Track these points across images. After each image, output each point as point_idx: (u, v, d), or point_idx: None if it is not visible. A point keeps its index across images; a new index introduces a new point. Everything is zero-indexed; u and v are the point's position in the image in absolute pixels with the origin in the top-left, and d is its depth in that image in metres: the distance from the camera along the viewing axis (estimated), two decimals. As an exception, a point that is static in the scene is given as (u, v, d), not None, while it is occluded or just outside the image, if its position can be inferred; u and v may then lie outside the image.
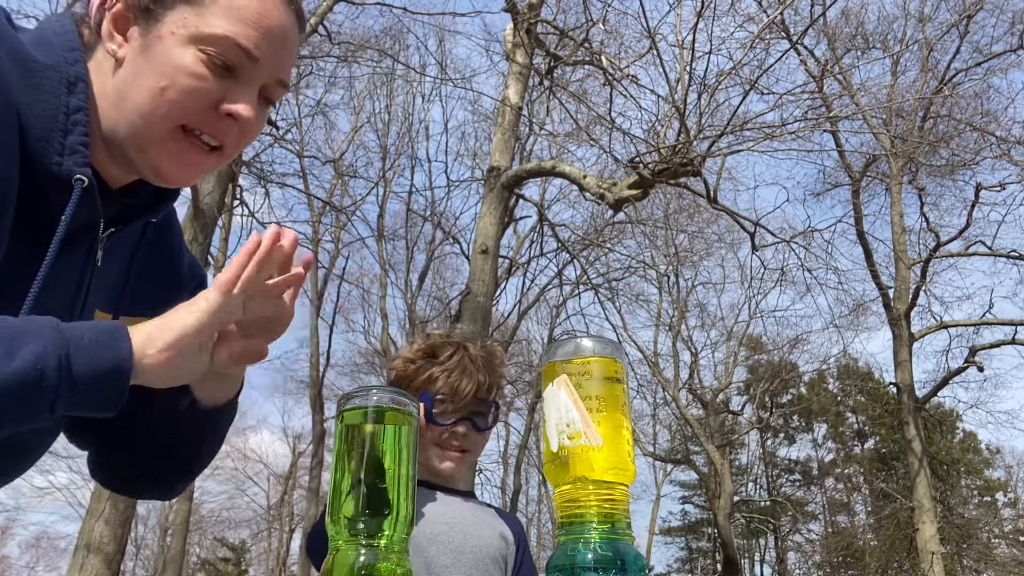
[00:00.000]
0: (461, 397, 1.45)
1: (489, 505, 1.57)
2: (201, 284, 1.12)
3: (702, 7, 6.43)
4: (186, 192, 7.45)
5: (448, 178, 16.15)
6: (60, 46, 0.85)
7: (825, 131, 12.57)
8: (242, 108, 0.87)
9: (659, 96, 7.76)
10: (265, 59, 0.87)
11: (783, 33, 8.46)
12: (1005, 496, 25.41)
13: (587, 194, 7.49)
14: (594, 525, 0.76)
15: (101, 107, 0.87)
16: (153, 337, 0.78)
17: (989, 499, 25.22)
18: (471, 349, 1.50)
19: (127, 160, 0.89)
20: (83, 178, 0.82)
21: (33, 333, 0.71)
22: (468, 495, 1.54)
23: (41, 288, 0.82)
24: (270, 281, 0.85)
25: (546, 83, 8.48)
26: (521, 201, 12.18)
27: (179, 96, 0.84)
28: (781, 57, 7.78)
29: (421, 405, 1.43)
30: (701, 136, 6.40)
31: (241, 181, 10.30)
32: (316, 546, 1.41)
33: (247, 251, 0.84)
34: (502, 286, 14.13)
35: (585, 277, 15.57)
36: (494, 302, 8.47)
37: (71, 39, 0.87)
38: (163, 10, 0.85)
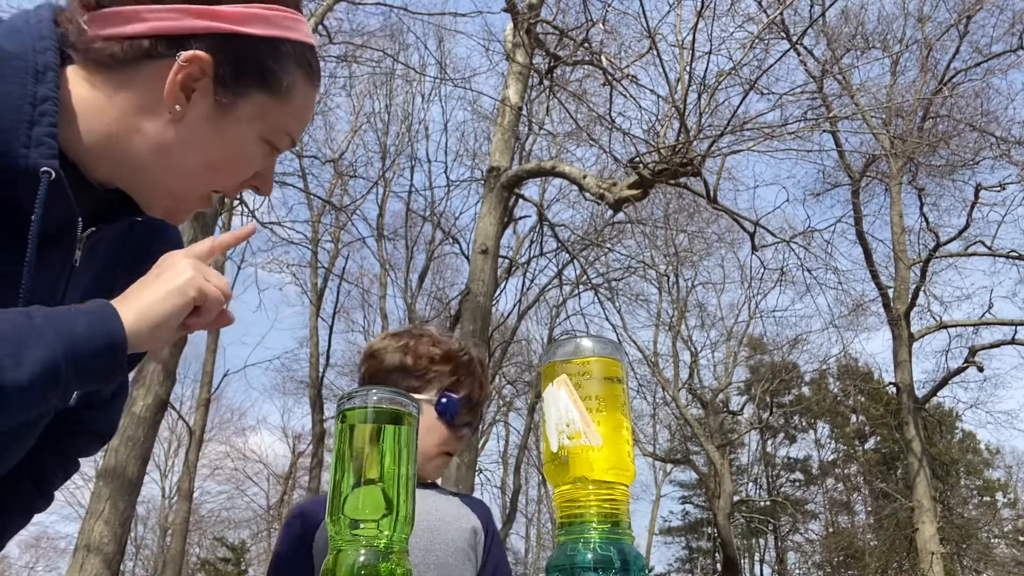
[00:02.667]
0: (476, 405, 1.48)
1: (453, 494, 1.52)
2: None
3: (702, 7, 6.43)
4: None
5: (448, 178, 16.15)
6: (30, 35, 0.82)
7: (825, 131, 12.60)
8: (265, 188, 0.96)
9: (659, 96, 7.75)
10: (297, 142, 0.96)
11: (783, 33, 8.45)
12: (1005, 496, 25.41)
13: (587, 194, 7.49)
14: (594, 525, 0.76)
15: (126, 138, 0.86)
16: (142, 317, 0.80)
17: (989, 499, 25.22)
18: (481, 357, 1.53)
19: (138, 194, 0.91)
20: (50, 170, 0.79)
21: (35, 336, 0.73)
22: (432, 486, 1.50)
23: (29, 291, 0.81)
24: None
25: (546, 83, 8.48)
26: (521, 201, 12.20)
27: (233, 172, 0.91)
28: (781, 57, 7.77)
29: (424, 405, 1.42)
30: (701, 136, 6.40)
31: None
32: (297, 522, 1.38)
33: (231, 241, 0.93)
34: (502, 286, 14.14)
35: (585, 277, 15.57)
36: (494, 302, 8.47)
37: (43, 28, 0.84)
38: (246, 90, 0.87)
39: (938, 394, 15.59)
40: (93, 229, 0.90)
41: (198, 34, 0.84)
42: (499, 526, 1.65)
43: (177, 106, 0.86)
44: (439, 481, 1.57)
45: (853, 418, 27.47)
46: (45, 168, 0.79)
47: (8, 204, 0.80)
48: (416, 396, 1.27)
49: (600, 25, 7.75)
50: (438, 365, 1.46)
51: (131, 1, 0.84)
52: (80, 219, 0.87)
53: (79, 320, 0.76)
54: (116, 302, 0.80)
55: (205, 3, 0.85)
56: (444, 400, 1.43)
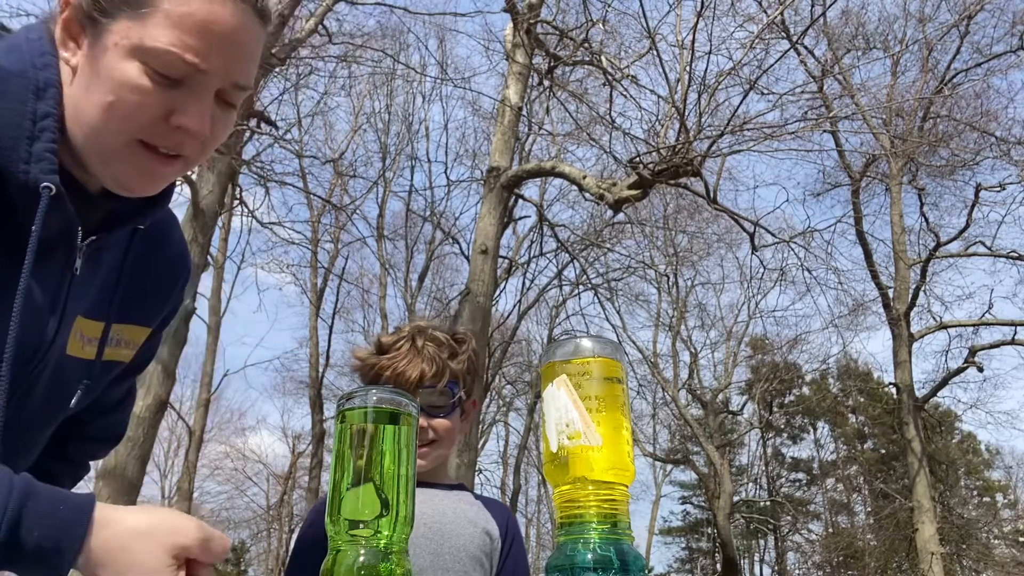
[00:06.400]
0: (405, 385, 1.40)
1: (477, 496, 1.50)
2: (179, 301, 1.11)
3: (702, 7, 6.42)
4: (186, 192, 7.44)
5: (448, 178, 16.15)
6: (30, 52, 0.83)
7: (825, 131, 12.60)
8: (191, 121, 0.83)
9: (659, 96, 7.76)
10: (214, 68, 0.83)
11: (783, 33, 8.45)
12: (1004, 497, 25.41)
13: (587, 194, 7.49)
14: (594, 525, 0.76)
15: (68, 115, 0.85)
16: (107, 558, 0.70)
17: (988, 499, 25.23)
18: (418, 340, 1.45)
19: (91, 171, 0.87)
20: (50, 186, 0.80)
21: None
22: (453, 488, 1.48)
23: (24, 303, 0.80)
24: None
25: (546, 83, 8.47)
26: (521, 201, 12.17)
27: (126, 112, 0.82)
28: (781, 57, 7.77)
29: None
30: (701, 136, 6.40)
31: (240, 181, 10.29)
32: (300, 561, 1.36)
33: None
34: (502, 286, 14.13)
35: (585, 277, 15.57)
36: (494, 302, 8.47)
37: (42, 44, 0.85)
38: (107, 20, 0.82)
39: (938, 394, 15.58)
40: (93, 238, 0.90)
41: None
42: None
43: (67, 54, 0.85)
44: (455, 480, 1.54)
45: (853, 418, 27.48)
46: (45, 184, 0.80)
47: (7, 218, 0.81)
48: None
49: (600, 25, 7.76)
50: (369, 362, 1.47)
51: None
52: (80, 229, 0.87)
53: (57, 506, 0.69)
54: (101, 517, 0.71)
55: None
56: None
